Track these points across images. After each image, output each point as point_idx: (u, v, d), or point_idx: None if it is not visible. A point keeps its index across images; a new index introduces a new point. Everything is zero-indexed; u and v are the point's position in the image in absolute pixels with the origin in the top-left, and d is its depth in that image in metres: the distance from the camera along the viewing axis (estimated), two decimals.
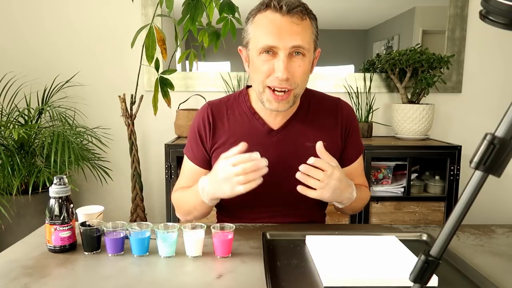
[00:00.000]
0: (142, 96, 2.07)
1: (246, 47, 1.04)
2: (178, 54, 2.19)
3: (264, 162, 0.91)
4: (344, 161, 1.16)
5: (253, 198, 1.09)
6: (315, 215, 1.19)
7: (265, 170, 0.91)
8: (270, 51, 0.98)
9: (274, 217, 1.12)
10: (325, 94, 1.18)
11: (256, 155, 0.92)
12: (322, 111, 1.14)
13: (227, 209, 1.18)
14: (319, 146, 0.96)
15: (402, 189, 2.09)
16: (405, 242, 0.92)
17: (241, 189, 0.91)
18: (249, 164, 0.90)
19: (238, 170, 0.90)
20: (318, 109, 1.14)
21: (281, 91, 1.00)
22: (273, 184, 1.08)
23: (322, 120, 1.13)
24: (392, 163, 2.13)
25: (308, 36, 0.99)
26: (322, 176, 0.93)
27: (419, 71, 2.17)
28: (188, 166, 1.16)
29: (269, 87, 1.01)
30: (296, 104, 1.11)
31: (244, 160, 0.91)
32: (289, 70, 0.97)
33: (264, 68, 0.99)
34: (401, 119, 2.17)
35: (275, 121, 1.11)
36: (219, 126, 1.12)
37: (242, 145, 0.93)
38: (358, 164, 1.19)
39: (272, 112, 1.07)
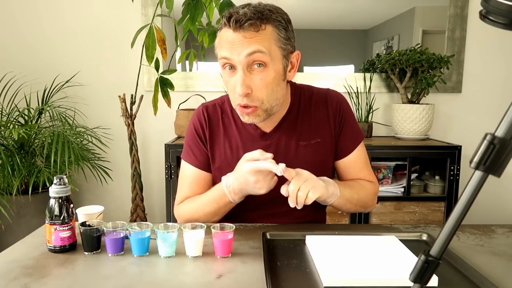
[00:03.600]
0: (142, 96, 2.07)
1: None
2: (178, 54, 2.19)
3: (279, 168, 0.92)
4: (341, 152, 1.13)
5: (253, 201, 1.09)
6: (315, 216, 1.19)
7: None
8: (232, 66, 0.97)
9: (275, 219, 1.12)
10: (314, 87, 1.15)
11: (275, 166, 0.92)
12: (313, 106, 1.11)
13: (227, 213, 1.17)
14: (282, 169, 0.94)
15: (402, 189, 2.09)
16: (405, 242, 0.92)
17: (263, 191, 0.97)
18: (269, 177, 0.96)
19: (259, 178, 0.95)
20: (308, 104, 1.12)
21: (247, 107, 0.99)
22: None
23: (313, 115, 1.11)
24: (392, 163, 2.13)
25: (266, 43, 0.94)
26: (295, 183, 0.93)
27: (419, 71, 2.17)
28: (189, 172, 1.14)
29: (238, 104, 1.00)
30: (285, 106, 1.09)
31: (263, 168, 0.93)
32: (248, 85, 0.95)
33: (229, 85, 1.00)
34: (401, 119, 2.17)
35: (266, 125, 1.09)
36: (215, 130, 1.12)
37: (270, 155, 0.94)
38: (357, 155, 1.14)
39: None
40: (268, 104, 0.99)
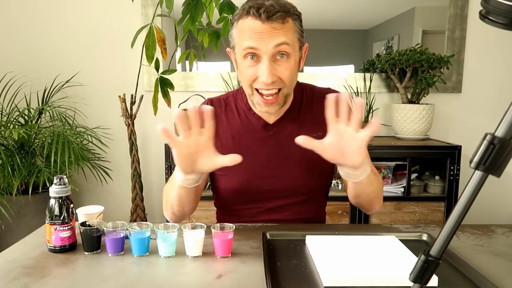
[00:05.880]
0: (142, 96, 2.07)
1: (233, 50, 1.07)
2: (178, 54, 2.19)
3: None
4: None
5: (253, 193, 1.10)
6: (316, 210, 1.19)
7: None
8: (254, 55, 0.99)
9: (274, 213, 1.12)
10: (315, 86, 1.19)
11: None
12: (315, 103, 1.15)
13: (226, 206, 1.18)
14: (300, 139, 0.92)
15: (402, 189, 2.09)
16: (405, 242, 0.92)
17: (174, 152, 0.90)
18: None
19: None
20: (311, 101, 1.15)
21: (269, 95, 1.01)
22: (272, 177, 1.09)
23: (315, 112, 1.13)
24: (392, 163, 2.13)
25: (291, 36, 0.99)
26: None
27: (419, 71, 2.17)
28: None
29: (256, 89, 1.02)
30: (290, 100, 1.11)
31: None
32: (273, 74, 0.98)
33: (249, 72, 1.01)
34: (401, 119, 2.17)
35: (270, 116, 1.12)
36: (217, 122, 1.13)
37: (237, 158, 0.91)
38: None
39: None
40: (288, 90, 1.04)
